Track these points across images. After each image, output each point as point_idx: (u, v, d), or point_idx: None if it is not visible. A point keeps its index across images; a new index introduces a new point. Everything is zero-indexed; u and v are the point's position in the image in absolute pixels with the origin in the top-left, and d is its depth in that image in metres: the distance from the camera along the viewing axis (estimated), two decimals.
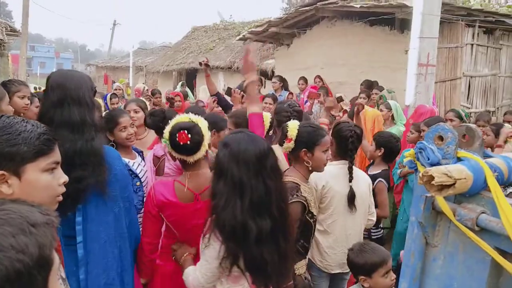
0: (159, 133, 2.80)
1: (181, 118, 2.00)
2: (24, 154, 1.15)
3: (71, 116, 1.76)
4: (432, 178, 0.92)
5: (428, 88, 5.80)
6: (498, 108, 7.73)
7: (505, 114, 5.29)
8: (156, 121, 2.81)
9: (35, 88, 7.53)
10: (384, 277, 1.98)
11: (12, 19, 35.87)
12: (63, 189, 1.26)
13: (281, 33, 9.43)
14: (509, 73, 7.77)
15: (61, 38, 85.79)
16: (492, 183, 0.93)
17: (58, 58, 47.16)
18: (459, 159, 1.04)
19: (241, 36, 10.86)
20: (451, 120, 4.16)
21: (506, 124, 4.41)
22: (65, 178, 1.26)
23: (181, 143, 1.90)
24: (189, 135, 1.90)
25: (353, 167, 2.55)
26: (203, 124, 1.98)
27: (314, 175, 2.38)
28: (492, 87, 7.57)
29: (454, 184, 0.92)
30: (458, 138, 1.07)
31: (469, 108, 7.06)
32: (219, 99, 4.28)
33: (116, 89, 7.02)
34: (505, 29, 7.37)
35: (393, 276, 2.00)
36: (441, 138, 1.06)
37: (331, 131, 2.75)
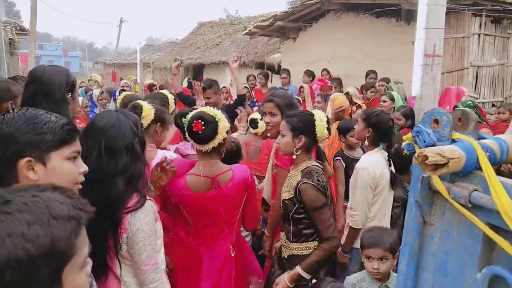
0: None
1: (204, 109, 2.18)
2: (50, 143, 1.23)
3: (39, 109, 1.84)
4: (426, 158, 0.98)
5: (435, 79, 5.79)
6: (506, 98, 7.68)
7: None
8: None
9: None
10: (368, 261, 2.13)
11: (20, 18, 36.22)
12: (83, 178, 1.33)
13: (287, 26, 9.44)
14: None
15: (69, 36, 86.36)
16: (484, 162, 0.99)
17: (66, 56, 47.56)
18: (453, 141, 1.10)
19: (247, 30, 10.88)
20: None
21: None
22: (85, 167, 1.34)
23: (194, 131, 2.06)
24: (203, 126, 2.05)
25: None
26: (222, 119, 2.12)
27: (370, 163, 2.61)
28: (500, 77, 7.52)
29: (447, 163, 0.98)
30: (453, 121, 1.13)
31: (476, 98, 7.04)
32: (183, 97, 4.59)
33: (123, 86, 7.13)
34: None
35: (374, 264, 2.10)
36: (436, 121, 1.11)
37: (363, 121, 2.82)
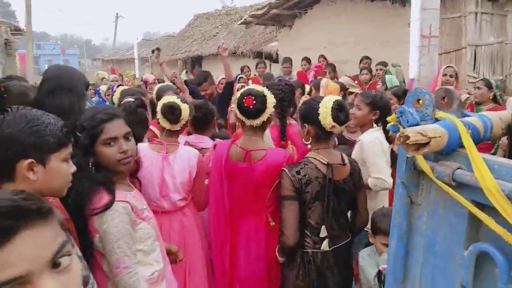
0: (201, 126, 2.86)
1: (252, 86, 2.32)
2: (51, 145, 1.26)
3: (62, 102, 1.87)
4: (408, 137, 0.97)
5: (432, 60, 5.75)
6: (506, 76, 7.62)
7: None
8: (202, 113, 2.83)
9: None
10: (384, 247, 2.07)
11: (16, 18, 36.09)
12: (71, 178, 1.37)
13: (283, 14, 9.36)
14: None
15: (66, 34, 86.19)
16: (466, 139, 0.98)
17: (64, 55, 47.39)
18: (437, 120, 1.09)
19: (243, 20, 10.80)
20: (479, 88, 4.32)
21: None
22: (74, 167, 1.38)
23: (246, 106, 2.17)
24: (254, 101, 2.16)
25: None
26: (269, 94, 2.22)
27: (376, 137, 2.57)
28: (499, 55, 7.45)
29: (429, 142, 0.97)
30: (437, 100, 1.12)
31: (476, 77, 6.99)
32: (228, 88, 4.50)
33: (113, 81, 7.23)
34: None
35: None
36: (419, 101, 1.11)
37: (368, 105, 2.77)
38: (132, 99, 2.62)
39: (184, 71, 9.92)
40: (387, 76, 5.41)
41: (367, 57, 6.96)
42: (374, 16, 7.50)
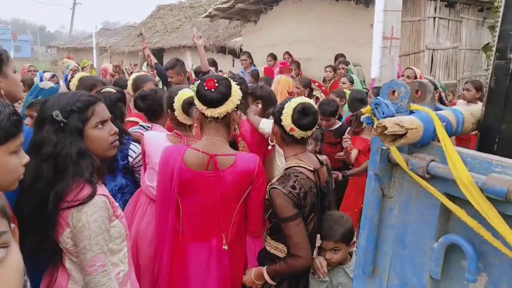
0: (151, 115, 2.70)
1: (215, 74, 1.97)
2: None
3: None
4: (385, 128, 0.96)
5: (393, 61, 5.92)
6: (459, 80, 8.00)
7: (465, 83, 5.51)
8: (149, 104, 2.66)
9: None
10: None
11: None
12: (23, 170, 1.22)
13: (248, 9, 9.33)
14: (469, 45, 8.02)
15: (18, 19, 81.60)
16: (440, 131, 0.99)
17: (16, 41, 44.87)
18: (412, 113, 1.09)
19: (207, 13, 10.66)
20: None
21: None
22: (27, 158, 1.23)
23: (206, 89, 1.79)
24: (217, 84, 1.80)
25: None
26: (235, 85, 1.89)
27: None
28: (453, 60, 7.81)
29: (405, 133, 0.97)
30: (411, 93, 1.12)
31: (432, 80, 7.29)
32: (159, 69, 4.53)
33: (72, 69, 6.76)
34: (466, 3, 7.57)
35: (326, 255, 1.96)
36: (394, 93, 1.10)
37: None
38: (114, 91, 2.49)
39: (145, 63, 9.64)
40: (354, 76, 5.53)
41: (342, 55, 7.06)
42: (339, 16, 7.63)
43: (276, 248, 1.91)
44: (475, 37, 8.09)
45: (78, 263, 1.47)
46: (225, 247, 1.91)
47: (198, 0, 18.35)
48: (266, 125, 2.52)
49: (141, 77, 3.44)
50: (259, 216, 1.96)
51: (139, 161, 2.45)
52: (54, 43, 26.38)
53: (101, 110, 1.58)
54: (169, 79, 4.17)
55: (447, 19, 7.43)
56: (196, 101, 1.83)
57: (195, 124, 1.96)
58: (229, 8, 9.41)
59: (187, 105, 2.15)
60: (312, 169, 1.90)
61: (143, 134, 2.50)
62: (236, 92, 1.86)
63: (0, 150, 1.12)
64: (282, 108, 1.93)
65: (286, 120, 1.89)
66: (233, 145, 2.43)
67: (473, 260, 0.97)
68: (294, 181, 1.82)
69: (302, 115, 1.90)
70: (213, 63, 6.76)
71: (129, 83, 3.40)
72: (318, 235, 1.94)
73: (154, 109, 2.64)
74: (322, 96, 5.46)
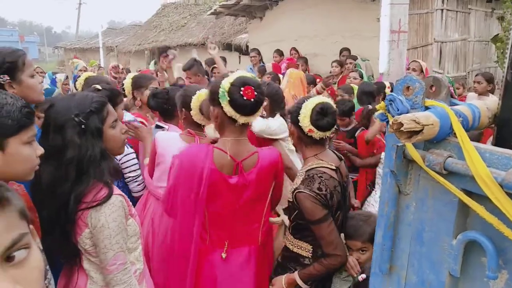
0: (164, 114, 2.70)
1: (244, 73, 1.80)
2: (8, 128, 1.17)
3: None
4: (401, 125, 0.95)
5: (401, 55, 5.87)
6: (468, 72, 7.92)
7: (476, 75, 5.44)
8: (160, 102, 2.67)
9: None
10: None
11: None
12: (39, 161, 1.29)
13: (253, 5, 9.30)
14: (478, 37, 7.93)
15: (25, 20, 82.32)
16: (457, 127, 0.97)
17: (23, 42, 45.21)
18: (427, 108, 1.08)
19: (212, 10, 10.65)
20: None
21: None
22: (41, 149, 1.29)
23: (245, 99, 1.68)
24: (255, 93, 1.70)
25: None
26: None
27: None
28: (462, 52, 7.73)
29: (422, 130, 0.96)
30: (426, 88, 1.11)
31: (441, 73, 7.21)
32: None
33: (81, 70, 6.71)
34: None
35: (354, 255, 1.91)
36: (408, 88, 1.09)
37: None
38: (99, 88, 2.48)
39: (153, 61, 9.67)
40: (362, 71, 5.51)
41: (346, 49, 7.01)
42: (345, 10, 7.57)
43: (300, 247, 1.89)
44: (484, 29, 8.00)
45: (98, 263, 1.49)
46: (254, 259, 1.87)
47: None
48: (255, 123, 2.43)
49: (145, 76, 3.41)
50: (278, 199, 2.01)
51: (127, 161, 2.43)
52: (61, 44, 26.53)
53: (112, 109, 1.60)
54: (187, 80, 4.18)
55: (455, 11, 7.35)
56: (227, 107, 1.71)
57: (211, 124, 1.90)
58: (234, 4, 9.39)
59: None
60: (334, 167, 1.86)
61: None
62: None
63: (13, 140, 1.19)
64: (299, 108, 1.88)
65: (304, 121, 1.85)
66: None
67: (493, 257, 0.95)
68: (319, 183, 1.79)
69: (321, 116, 1.84)
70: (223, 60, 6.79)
71: (127, 82, 3.28)
72: (342, 234, 1.90)
73: (165, 108, 2.65)
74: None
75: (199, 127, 2.35)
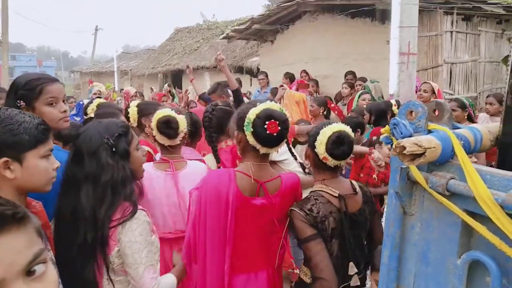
0: (192, 137, 2.73)
1: (269, 104, 1.79)
2: (26, 143, 1.29)
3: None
4: (404, 148, 1.00)
5: (411, 77, 5.93)
6: (480, 93, 7.91)
7: (487, 96, 5.42)
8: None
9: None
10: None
11: None
12: (55, 174, 1.40)
13: (264, 29, 9.51)
14: (488, 58, 7.95)
15: (43, 46, 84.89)
16: (459, 150, 1.01)
17: (41, 67, 46.60)
18: (430, 132, 1.12)
19: (225, 34, 10.90)
20: (454, 110, 4.22)
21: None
22: (57, 163, 1.41)
23: (268, 133, 1.71)
24: (279, 126, 1.72)
25: None
26: (287, 113, 1.85)
27: None
28: (473, 73, 7.75)
29: (424, 153, 1.00)
30: (429, 113, 1.15)
31: (451, 94, 7.22)
32: (204, 99, 4.57)
33: (95, 93, 6.84)
34: (483, 15, 7.55)
35: None
36: (412, 113, 1.14)
37: None
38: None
39: (166, 84, 9.89)
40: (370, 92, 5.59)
41: (351, 72, 7.11)
42: (355, 33, 7.70)
43: (305, 274, 1.88)
44: (494, 50, 8.03)
45: (130, 280, 1.54)
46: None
47: (215, 21, 18.78)
48: None
49: (151, 103, 3.51)
50: None
51: None
52: (77, 68, 27.27)
53: (134, 133, 1.73)
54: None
55: (465, 33, 7.41)
56: (250, 138, 1.74)
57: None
58: (245, 29, 9.61)
59: (163, 124, 2.20)
60: (336, 194, 1.85)
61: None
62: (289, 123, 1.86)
63: (31, 154, 1.30)
64: (317, 134, 1.90)
65: (320, 148, 1.87)
66: None
67: (497, 276, 0.98)
68: (312, 204, 1.81)
69: (337, 145, 1.85)
70: (239, 83, 6.98)
71: (133, 110, 3.26)
72: (351, 263, 1.87)
73: (193, 131, 2.67)
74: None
75: (175, 150, 2.31)
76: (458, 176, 1.04)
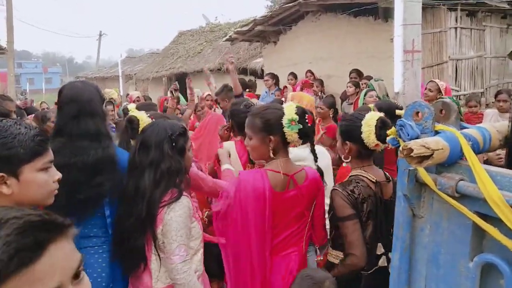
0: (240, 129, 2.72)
1: (291, 104, 2.02)
2: (21, 156, 1.22)
3: (88, 127, 1.88)
4: (411, 150, 0.98)
5: (416, 74, 5.87)
6: (486, 89, 7.83)
7: (499, 93, 5.28)
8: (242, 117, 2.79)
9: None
10: None
11: None
12: (57, 186, 1.34)
13: (267, 30, 9.48)
14: (494, 53, 7.87)
15: (48, 52, 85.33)
16: (467, 151, 1.00)
17: (47, 73, 46.89)
18: (437, 133, 1.10)
19: (227, 36, 10.90)
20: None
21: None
22: (59, 175, 1.34)
23: (309, 126, 1.98)
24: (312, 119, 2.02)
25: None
26: None
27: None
28: (479, 69, 7.66)
29: (432, 154, 0.98)
30: (435, 113, 1.14)
31: (457, 91, 7.16)
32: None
33: (108, 100, 6.88)
34: (488, 10, 7.46)
35: None
36: (418, 114, 1.12)
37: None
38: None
39: (171, 87, 9.88)
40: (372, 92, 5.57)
41: (354, 70, 7.07)
42: (358, 31, 7.65)
43: (336, 257, 1.99)
44: (500, 45, 7.94)
45: (164, 252, 1.76)
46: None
47: (218, 24, 18.79)
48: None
49: (149, 103, 3.56)
50: (323, 223, 2.16)
51: None
52: (82, 74, 27.44)
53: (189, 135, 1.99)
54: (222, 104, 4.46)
55: (469, 29, 7.34)
56: (294, 135, 1.94)
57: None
58: (248, 31, 9.60)
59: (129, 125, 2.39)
60: (374, 180, 1.98)
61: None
62: None
63: (27, 167, 1.24)
64: (359, 126, 1.97)
65: (370, 137, 1.95)
66: None
67: (511, 279, 0.96)
68: (354, 186, 1.93)
69: (384, 130, 1.91)
70: (247, 86, 7.08)
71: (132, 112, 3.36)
72: (379, 244, 1.97)
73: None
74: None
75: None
76: (467, 177, 1.02)
